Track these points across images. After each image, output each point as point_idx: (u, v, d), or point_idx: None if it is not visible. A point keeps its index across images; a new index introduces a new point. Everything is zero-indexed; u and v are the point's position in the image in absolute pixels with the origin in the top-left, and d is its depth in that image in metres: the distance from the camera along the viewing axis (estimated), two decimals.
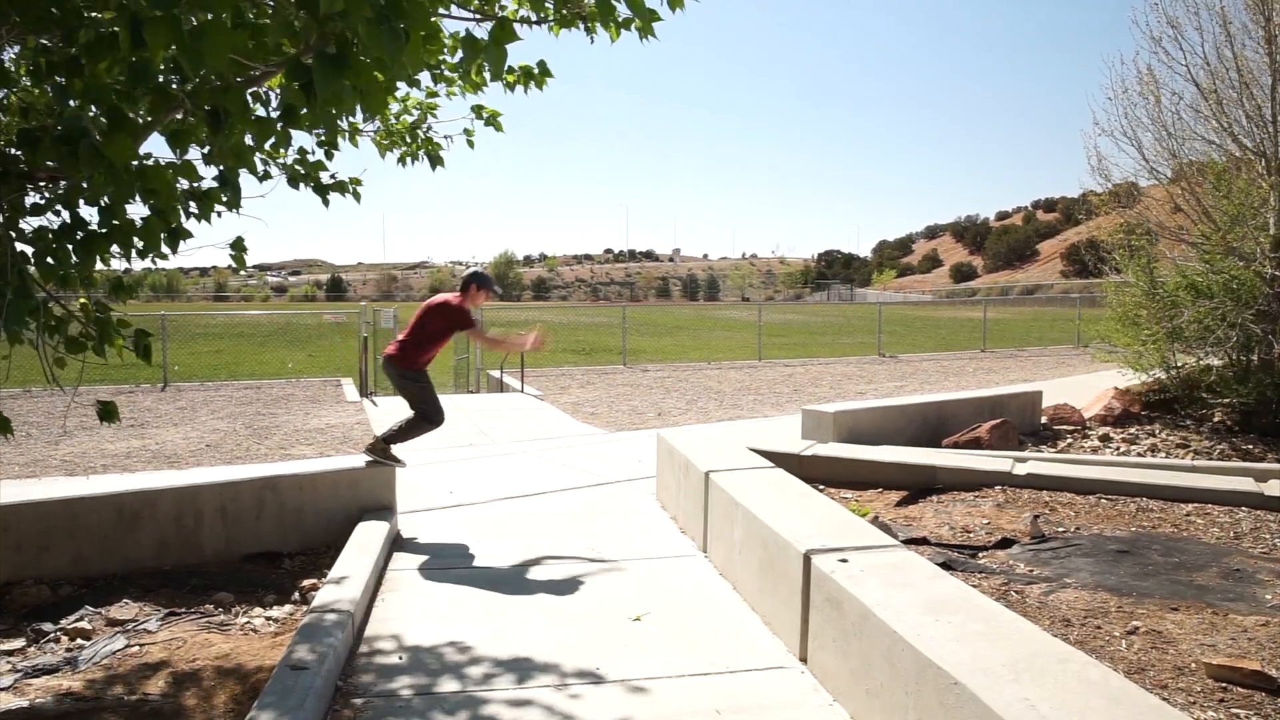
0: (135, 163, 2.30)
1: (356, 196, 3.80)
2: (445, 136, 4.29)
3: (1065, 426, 7.73)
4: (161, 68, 2.42)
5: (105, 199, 2.32)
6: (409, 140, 4.23)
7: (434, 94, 4.15)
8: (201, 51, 1.84)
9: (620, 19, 3.09)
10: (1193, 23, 8.02)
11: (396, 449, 5.26)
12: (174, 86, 2.37)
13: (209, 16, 1.92)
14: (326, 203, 3.66)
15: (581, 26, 3.15)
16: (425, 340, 5.32)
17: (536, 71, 3.74)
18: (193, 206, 2.86)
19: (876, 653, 2.67)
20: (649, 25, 2.81)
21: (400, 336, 5.42)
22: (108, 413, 2.80)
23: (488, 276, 5.52)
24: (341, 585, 3.78)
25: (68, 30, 2.07)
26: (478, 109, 4.12)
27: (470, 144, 4.30)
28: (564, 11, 3.11)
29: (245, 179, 2.90)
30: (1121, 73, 11.01)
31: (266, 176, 3.35)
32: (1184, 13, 8.10)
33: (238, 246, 3.09)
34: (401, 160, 4.26)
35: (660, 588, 4.18)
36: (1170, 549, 4.19)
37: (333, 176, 3.73)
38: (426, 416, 5.34)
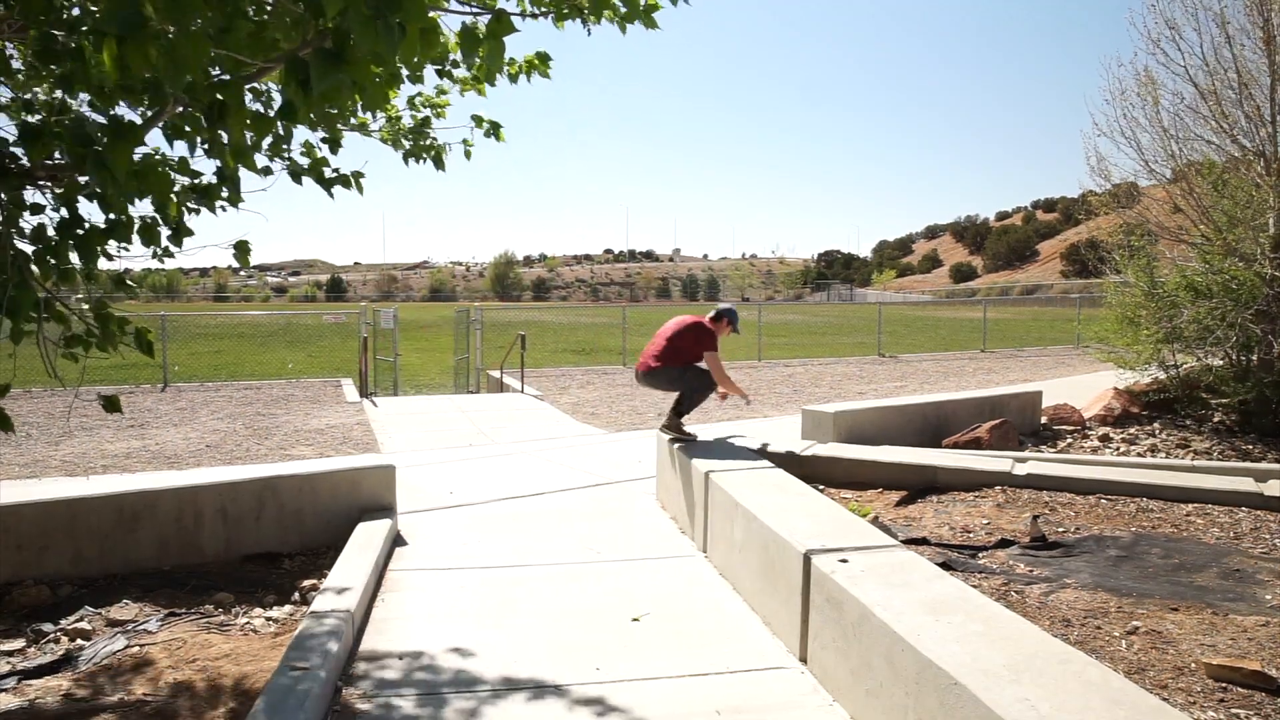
0: (136, 161, 2.29)
1: (360, 189, 3.83)
2: (444, 144, 4.31)
3: (1065, 426, 7.73)
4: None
5: (107, 194, 2.31)
6: (415, 138, 4.24)
7: (444, 91, 4.16)
8: (177, 64, 1.85)
9: (621, 14, 3.09)
10: (1190, 24, 8.01)
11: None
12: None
13: (191, 25, 1.91)
14: (331, 195, 3.69)
15: (581, 20, 3.14)
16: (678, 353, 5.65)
17: (538, 61, 3.77)
18: (191, 203, 2.86)
19: (876, 653, 2.67)
20: (650, 17, 2.82)
21: (654, 354, 5.67)
22: (111, 404, 2.82)
23: (736, 314, 5.97)
24: (342, 585, 3.78)
25: (68, 26, 2.07)
26: (477, 119, 4.13)
27: (468, 154, 4.31)
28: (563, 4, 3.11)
29: (246, 175, 2.90)
30: (1120, 74, 10.96)
31: (268, 172, 3.35)
32: (1181, 14, 8.09)
33: (241, 248, 3.10)
34: (406, 159, 4.27)
35: (660, 588, 4.18)
36: (1170, 549, 4.19)
37: (335, 170, 3.75)
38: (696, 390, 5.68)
